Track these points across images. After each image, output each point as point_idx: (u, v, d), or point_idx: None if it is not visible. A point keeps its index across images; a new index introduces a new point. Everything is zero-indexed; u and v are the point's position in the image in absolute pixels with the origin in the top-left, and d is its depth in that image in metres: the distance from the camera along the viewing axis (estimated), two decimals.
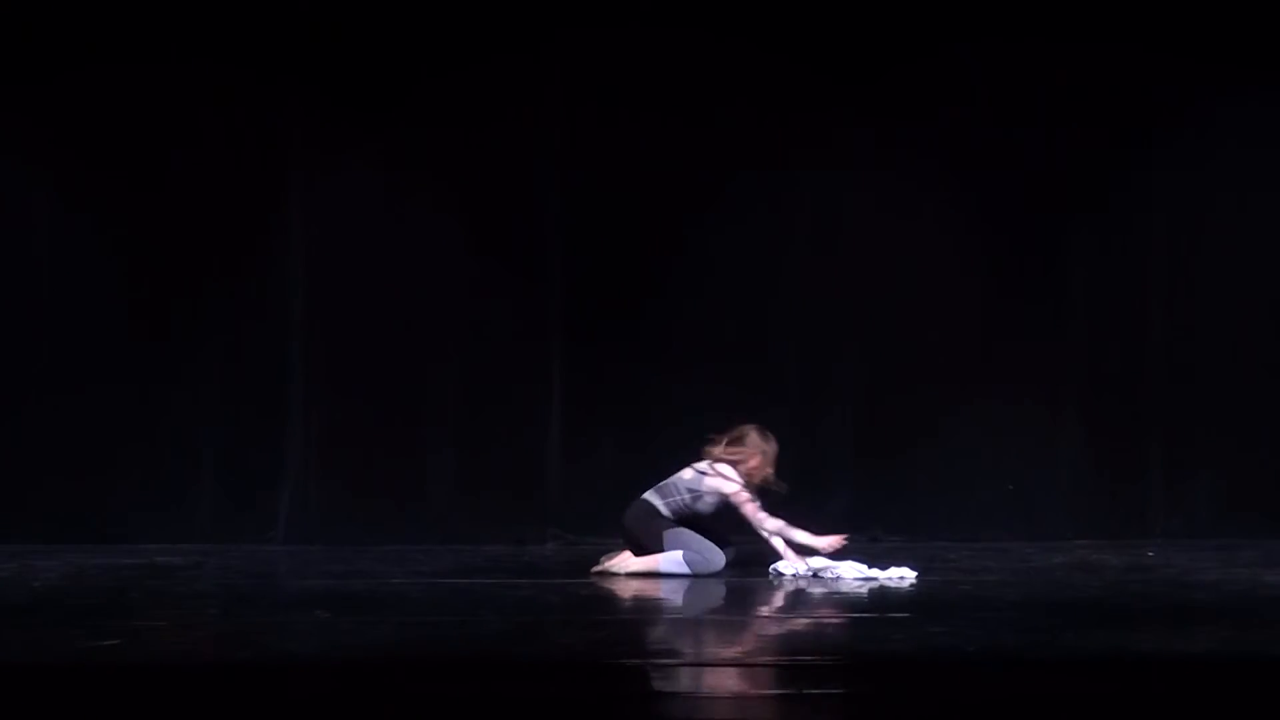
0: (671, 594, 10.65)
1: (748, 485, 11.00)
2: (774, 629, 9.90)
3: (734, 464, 11.02)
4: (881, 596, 10.44)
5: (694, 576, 10.84)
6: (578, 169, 12.57)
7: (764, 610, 10.31)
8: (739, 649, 9.18)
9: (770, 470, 11.07)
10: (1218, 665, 8.57)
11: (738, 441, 11.05)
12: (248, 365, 12.51)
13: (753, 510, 10.95)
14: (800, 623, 9.89)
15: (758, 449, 11.03)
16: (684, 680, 8.37)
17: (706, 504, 11.01)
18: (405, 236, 12.61)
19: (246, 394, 12.50)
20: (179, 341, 12.45)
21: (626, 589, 10.74)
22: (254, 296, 12.52)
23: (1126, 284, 12.68)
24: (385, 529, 12.37)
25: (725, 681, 8.36)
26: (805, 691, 8.16)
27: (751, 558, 11.07)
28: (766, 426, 11.09)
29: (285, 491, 12.51)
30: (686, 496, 11.01)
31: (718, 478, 10.99)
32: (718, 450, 11.03)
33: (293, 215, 12.56)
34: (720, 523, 11.09)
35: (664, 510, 10.98)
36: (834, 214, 12.67)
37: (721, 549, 10.99)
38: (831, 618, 9.94)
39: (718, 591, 10.74)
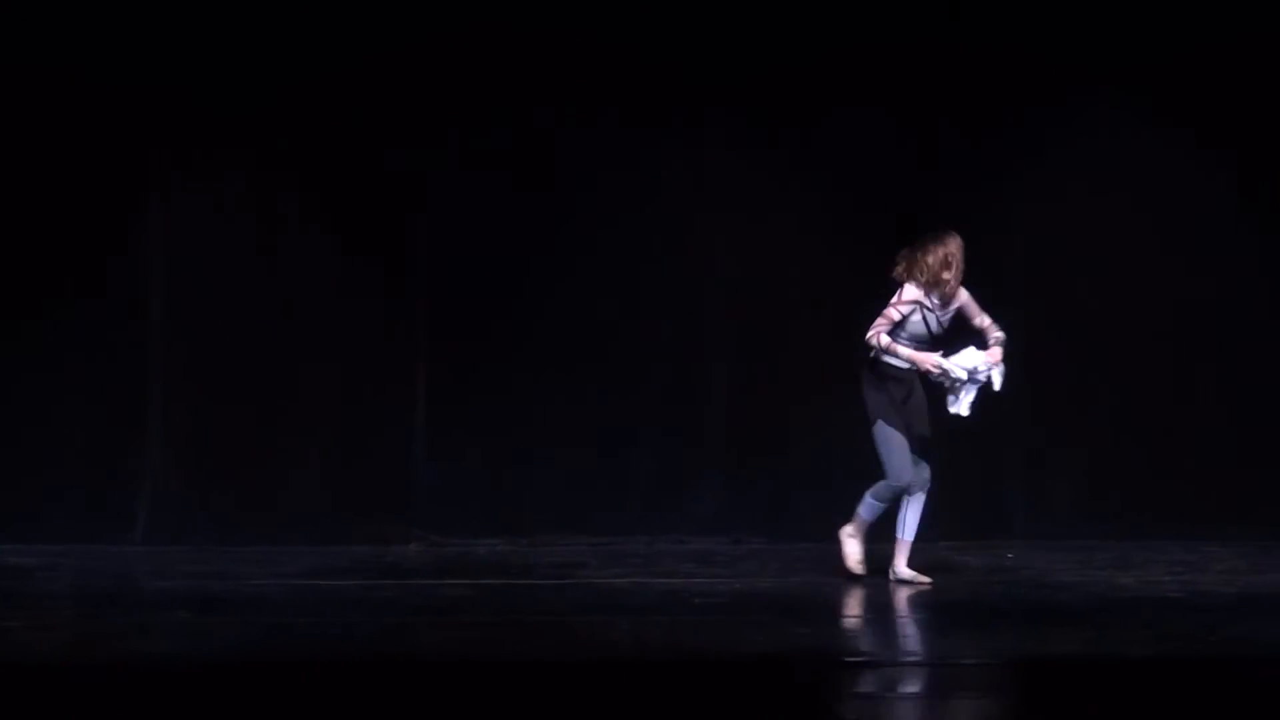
0: (531, 593, 10.66)
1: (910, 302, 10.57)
2: (624, 629, 9.82)
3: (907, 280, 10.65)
4: (743, 596, 10.47)
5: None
6: (444, 170, 12.51)
7: (635, 612, 10.26)
8: (605, 651, 9.16)
9: (934, 268, 10.53)
10: (1077, 667, 8.67)
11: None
12: (107, 364, 12.35)
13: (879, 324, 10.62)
14: (661, 621, 9.88)
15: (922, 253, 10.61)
16: (546, 681, 8.36)
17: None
18: (270, 237, 12.49)
19: (106, 393, 12.34)
20: (37, 340, 12.27)
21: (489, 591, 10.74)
22: (114, 296, 12.36)
23: (984, 283, 12.74)
24: (247, 529, 12.24)
25: (586, 684, 8.33)
26: (668, 694, 8.16)
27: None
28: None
29: (145, 491, 12.36)
30: None
31: None
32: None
33: (154, 215, 12.41)
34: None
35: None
36: (698, 213, 12.68)
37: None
38: (689, 616, 9.94)
39: (580, 595, 10.74)
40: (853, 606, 10.23)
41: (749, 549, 12.23)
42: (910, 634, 9.48)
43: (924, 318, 10.61)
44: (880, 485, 10.64)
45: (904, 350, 10.54)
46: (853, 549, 10.70)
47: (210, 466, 12.37)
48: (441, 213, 12.53)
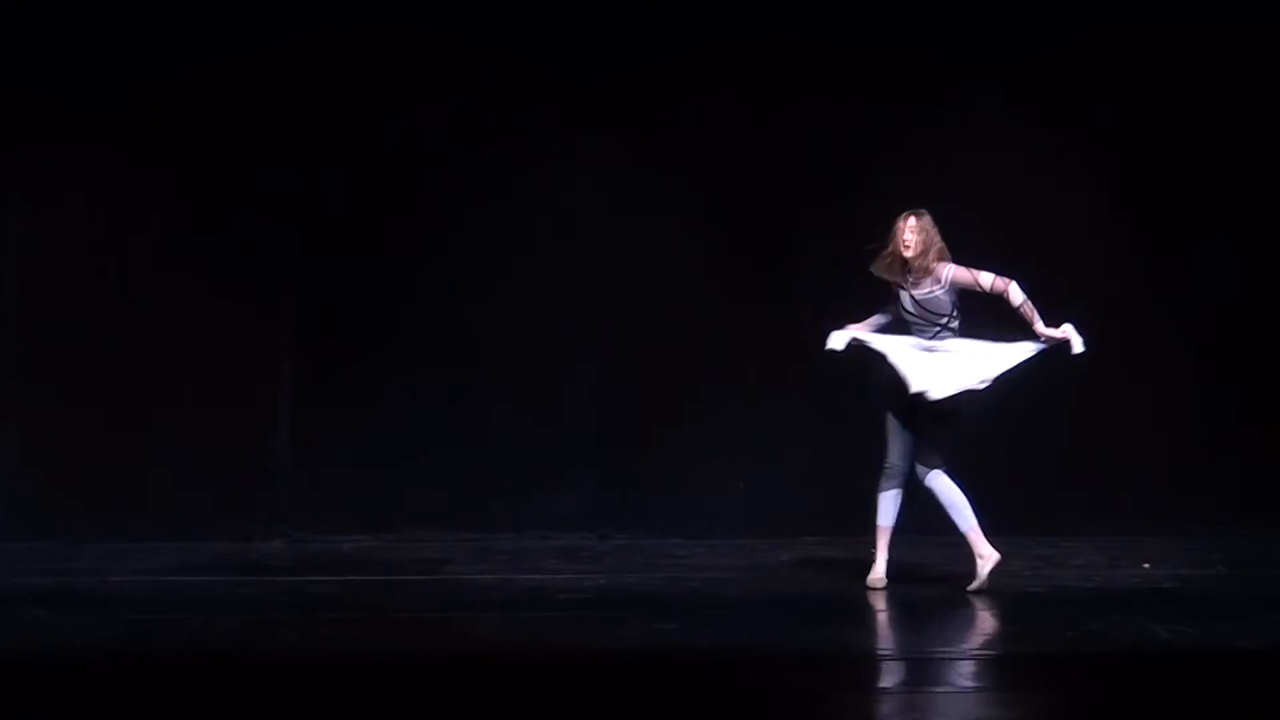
0: (395, 589, 10.61)
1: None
2: (494, 624, 9.79)
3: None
4: (609, 592, 10.47)
5: None
6: (306, 166, 12.41)
7: (500, 608, 10.23)
8: (469, 648, 9.13)
9: (894, 247, 10.34)
10: (938, 661, 8.71)
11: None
12: None
13: None
14: (527, 617, 9.85)
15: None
16: (408, 678, 8.31)
17: None
18: (131, 237, 12.37)
19: None
20: None
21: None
22: None
23: (860, 281, 12.77)
24: (107, 525, 12.10)
25: (449, 681, 8.30)
26: (534, 690, 8.14)
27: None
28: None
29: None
30: None
31: None
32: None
33: (8, 214, 12.29)
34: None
35: None
36: (572, 210, 12.64)
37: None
38: (555, 612, 9.92)
39: (445, 591, 10.70)
40: (718, 602, 10.23)
41: (615, 545, 12.22)
42: (777, 628, 9.49)
43: (897, 297, 10.45)
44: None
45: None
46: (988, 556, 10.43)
47: (68, 462, 12.22)
48: (306, 212, 12.44)
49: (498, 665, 8.65)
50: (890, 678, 8.59)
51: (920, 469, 10.36)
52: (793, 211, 12.70)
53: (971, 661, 8.80)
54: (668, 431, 12.63)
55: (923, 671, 8.60)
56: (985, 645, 9.18)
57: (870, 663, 8.75)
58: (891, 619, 9.77)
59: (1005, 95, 12.68)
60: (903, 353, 10.31)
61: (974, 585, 10.20)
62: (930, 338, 10.32)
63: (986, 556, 10.26)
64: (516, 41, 12.47)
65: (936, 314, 10.34)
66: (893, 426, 10.41)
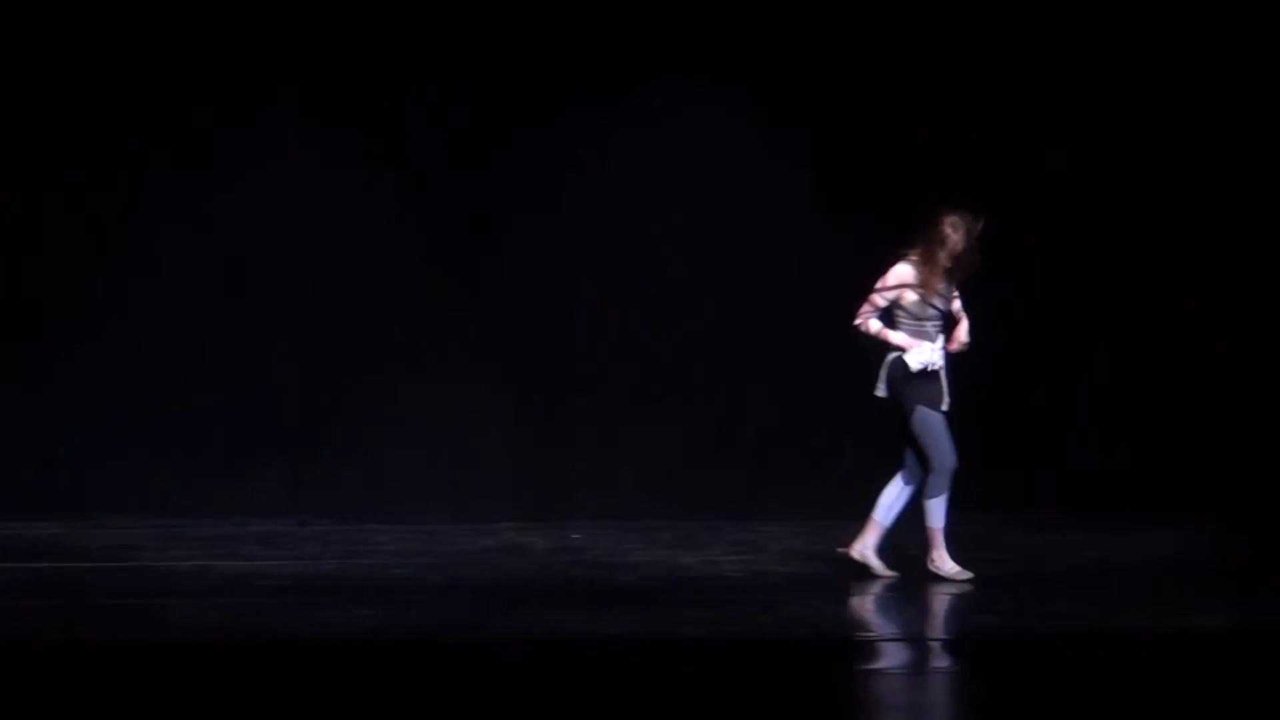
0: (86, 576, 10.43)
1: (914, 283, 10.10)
2: (195, 610, 9.64)
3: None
4: (307, 578, 10.39)
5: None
6: (11, 160, 12.16)
7: (200, 594, 10.07)
8: (161, 634, 9.00)
9: (946, 255, 10.00)
10: (638, 645, 8.78)
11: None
12: None
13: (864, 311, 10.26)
14: (227, 603, 9.73)
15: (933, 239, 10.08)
16: (95, 664, 8.17)
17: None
18: None
19: None
20: None
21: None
22: None
23: (555, 264, 12.84)
24: None
25: (139, 667, 8.17)
26: (234, 675, 8.05)
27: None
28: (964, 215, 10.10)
29: None
30: None
31: None
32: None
33: None
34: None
35: None
36: (272, 201, 12.52)
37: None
38: (253, 599, 9.81)
39: (138, 578, 10.54)
40: (419, 587, 10.20)
41: (316, 531, 12.12)
42: (477, 613, 9.47)
43: (921, 297, 10.24)
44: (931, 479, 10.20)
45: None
46: (944, 564, 10.21)
47: None
48: (9, 203, 12.17)
49: (198, 650, 8.54)
50: (589, 661, 8.63)
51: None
52: (491, 196, 12.69)
53: (667, 645, 8.85)
54: (368, 418, 12.58)
55: (617, 656, 8.65)
56: (681, 628, 9.24)
57: (563, 648, 8.77)
58: (589, 604, 9.80)
59: (706, 85, 12.79)
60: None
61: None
62: (941, 327, 10.29)
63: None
64: (202, 25, 12.27)
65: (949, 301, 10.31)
66: (943, 425, 10.18)
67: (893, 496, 10.24)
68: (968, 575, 10.10)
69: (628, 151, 12.84)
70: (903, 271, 10.15)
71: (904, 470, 10.26)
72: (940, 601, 9.73)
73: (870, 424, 12.82)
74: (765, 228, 12.86)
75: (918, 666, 8.53)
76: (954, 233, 10.05)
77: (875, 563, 10.23)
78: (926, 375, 10.10)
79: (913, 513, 10.23)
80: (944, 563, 10.15)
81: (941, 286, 10.12)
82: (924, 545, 10.16)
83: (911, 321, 10.16)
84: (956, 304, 10.23)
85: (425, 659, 8.51)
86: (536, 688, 7.96)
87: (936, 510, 10.13)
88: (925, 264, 10.08)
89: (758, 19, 12.73)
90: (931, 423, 10.10)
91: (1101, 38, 12.79)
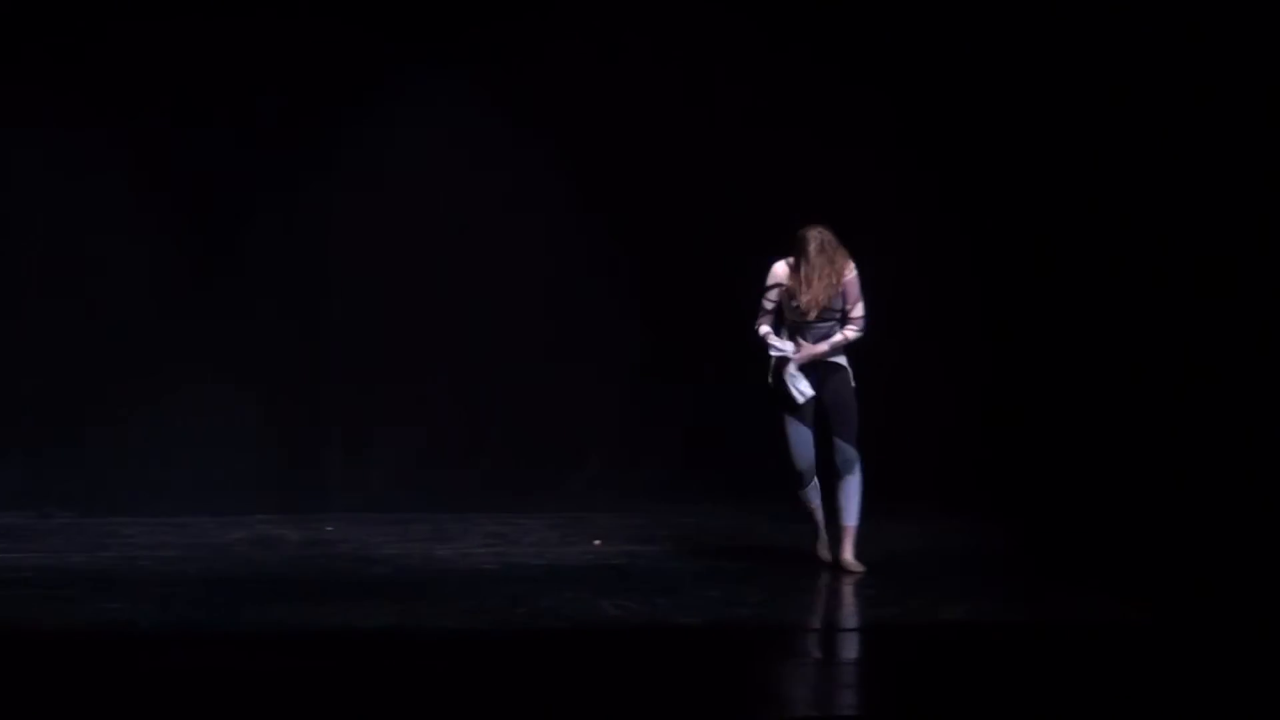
0: None
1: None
2: None
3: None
4: (51, 571, 10.18)
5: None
6: None
7: None
8: None
9: (791, 288, 10.15)
10: (391, 638, 8.72)
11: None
12: None
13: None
14: None
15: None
16: None
17: None
18: None
19: None
20: None
21: None
22: None
23: (308, 255, 12.72)
24: None
25: None
26: None
27: None
28: (822, 238, 10.15)
29: None
30: None
31: None
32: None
33: None
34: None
35: None
36: (10, 196, 12.28)
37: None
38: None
39: None
40: (168, 580, 10.03)
41: (59, 524, 11.88)
42: (228, 605, 9.34)
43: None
44: None
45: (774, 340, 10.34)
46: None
47: None
48: None
49: None
50: (339, 653, 8.55)
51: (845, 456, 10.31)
52: (237, 192, 12.54)
53: (422, 637, 8.81)
54: (115, 410, 12.40)
55: (371, 649, 8.59)
56: (436, 621, 9.19)
57: (317, 641, 8.69)
58: (344, 597, 9.71)
59: (452, 76, 12.74)
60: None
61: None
62: (826, 332, 10.27)
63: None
64: None
65: (837, 309, 10.27)
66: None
67: (844, 496, 10.25)
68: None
69: (376, 145, 12.76)
70: (776, 271, 10.26)
71: (836, 466, 10.30)
72: (704, 593, 9.76)
73: (617, 420, 13.00)
74: (516, 224, 12.88)
75: (675, 656, 8.56)
76: (807, 245, 10.14)
77: (855, 565, 10.28)
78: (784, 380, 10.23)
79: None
80: (836, 553, 10.32)
81: (807, 298, 10.15)
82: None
83: (791, 324, 10.29)
84: (859, 309, 10.21)
85: (173, 652, 8.39)
86: (290, 680, 7.87)
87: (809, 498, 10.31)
88: (792, 272, 10.20)
89: (508, 6, 12.70)
90: (786, 428, 10.26)
91: (863, 36, 12.91)
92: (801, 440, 10.27)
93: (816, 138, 12.91)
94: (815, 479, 10.33)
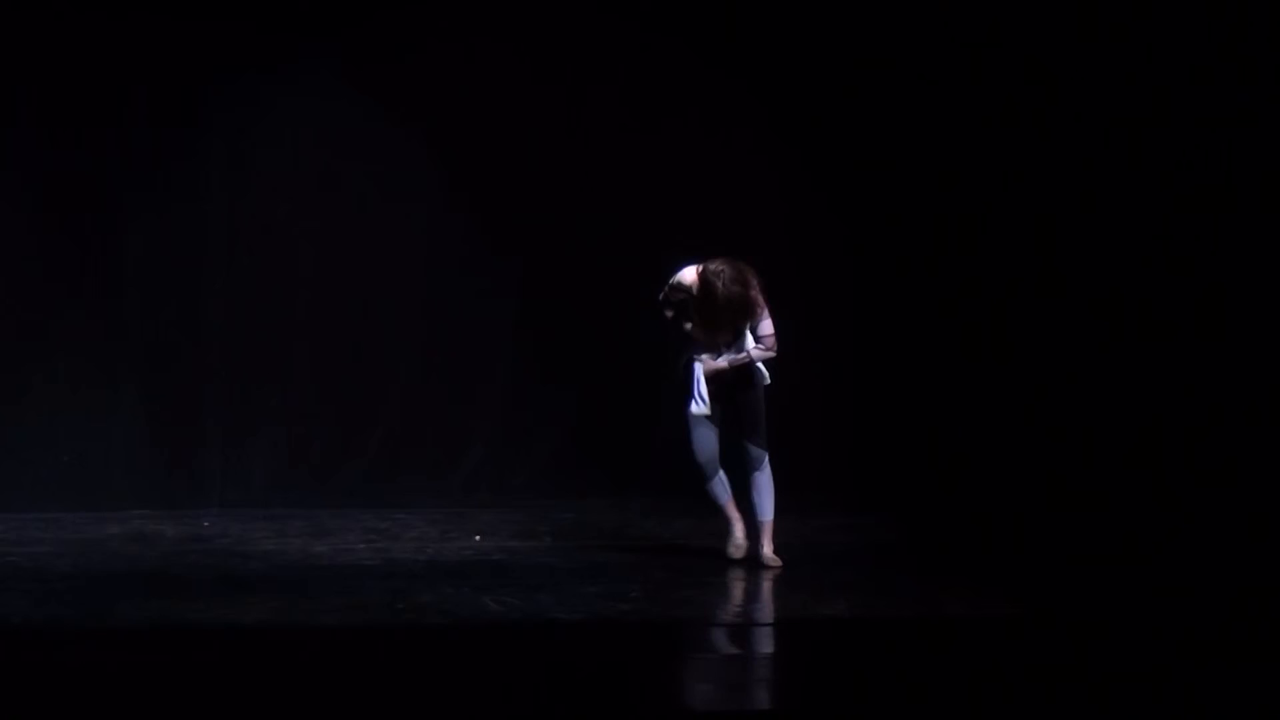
0: None
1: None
2: None
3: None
4: None
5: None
6: None
7: None
8: None
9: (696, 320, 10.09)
10: (269, 634, 8.66)
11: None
12: None
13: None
14: None
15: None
16: None
17: None
18: None
19: None
20: None
21: None
22: None
23: (183, 251, 12.60)
24: None
25: None
26: None
27: None
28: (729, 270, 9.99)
29: None
30: None
31: None
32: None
33: None
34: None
35: None
36: None
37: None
38: None
39: None
40: (41, 576, 9.90)
41: None
42: (100, 601, 9.23)
43: None
44: None
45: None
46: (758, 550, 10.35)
47: None
48: None
49: None
50: (217, 649, 8.47)
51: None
52: (113, 178, 12.41)
53: (301, 633, 8.74)
54: None
55: (243, 642, 8.52)
56: (315, 617, 9.13)
57: (192, 636, 8.61)
58: (221, 592, 9.62)
59: (324, 70, 12.66)
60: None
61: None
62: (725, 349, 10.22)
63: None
64: None
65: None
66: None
67: (755, 492, 10.24)
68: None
69: (260, 140, 12.66)
70: (684, 279, 10.13)
71: (746, 464, 10.27)
72: (584, 588, 9.75)
73: (499, 415, 12.97)
74: (394, 221, 12.82)
75: (556, 651, 8.55)
76: (714, 288, 10.00)
77: (772, 559, 10.25)
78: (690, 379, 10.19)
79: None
80: (736, 530, 10.30)
81: (711, 331, 10.12)
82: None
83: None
84: (767, 327, 10.16)
85: (43, 647, 8.28)
86: (162, 675, 7.79)
87: (717, 491, 10.29)
88: (699, 300, 10.08)
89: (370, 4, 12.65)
90: (689, 421, 10.20)
91: (725, 19, 12.93)
92: (702, 434, 10.26)
93: (692, 131, 12.93)
94: (721, 473, 10.32)
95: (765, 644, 8.93)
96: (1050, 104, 12.42)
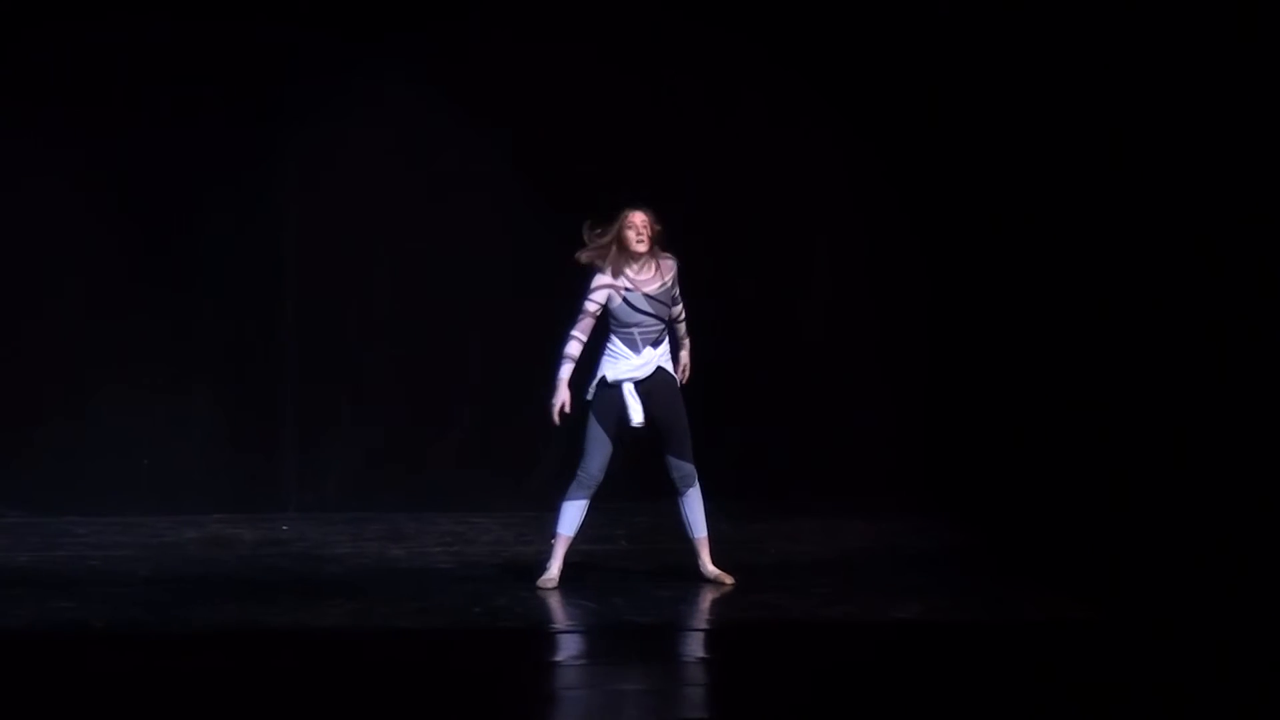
0: None
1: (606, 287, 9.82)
2: None
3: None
4: (4, 570, 10.11)
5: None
6: None
7: None
8: None
9: (623, 242, 9.79)
10: (345, 638, 8.70)
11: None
12: None
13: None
14: None
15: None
16: None
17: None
18: None
19: None
20: None
21: None
22: None
23: (259, 252, 12.66)
24: None
25: None
26: None
27: None
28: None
29: None
30: None
31: None
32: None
33: None
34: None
35: None
36: None
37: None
38: None
39: None
40: (120, 580, 9.98)
41: (9, 524, 11.86)
42: (180, 605, 9.30)
43: (624, 300, 9.87)
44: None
45: (563, 369, 9.88)
46: (553, 568, 9.95)
47: None
48: None
49: None
50: (295, 653, 8.53)
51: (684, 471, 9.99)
52: (191, 192, 12.48)
53: (378, 636, 8.78)
54: (67, 410, 12.33)
55: (328, 647, 8.57)
56: (391, 620, 9.16)
57: (270, 640, 8.67)
58: (299, 596, 9.68)
59: (408, 67, 12.70)
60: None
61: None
62: (657, 335, 9.92)
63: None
64: None
65: (669, 305, 9.94)
66: (600, 438, 9.93)
67: (688, 510, 10.01)
68: (553, 584, 9.86)
69: (331, 145, 12.70)
70: (599, 277, 9.90)
71: (674, 483, 10.03)
72: (657, 592, 9.77)
73: (575, 418, 12.96)
74: (472, 222, 12.82)
75: (623, 656, 8.56)
76: (622, 226, 9.85)
77: (721, 575, 10.02)
78: (609, 385, 9.94)
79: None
80: (553, 567, 9.94)
81: (626, 282, 9.87)
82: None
83: (621, 329, 9.92)
84: (678, 309, 10.04)
85: (126, 651, 8.35)
86: (241, 680, 7.85)
87: (568, 515, 9.93)
88: (599, 258, 9.85)
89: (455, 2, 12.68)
90: (593, 432, 9.91)
91: (794, 17, 12.89)
92: (601, 448, 9.90)
93: (772, 130, 12.93)
94: (587, 503, 9.95)
95: (842, 647, 8.90)
96: (1146, 95, 12.25)
